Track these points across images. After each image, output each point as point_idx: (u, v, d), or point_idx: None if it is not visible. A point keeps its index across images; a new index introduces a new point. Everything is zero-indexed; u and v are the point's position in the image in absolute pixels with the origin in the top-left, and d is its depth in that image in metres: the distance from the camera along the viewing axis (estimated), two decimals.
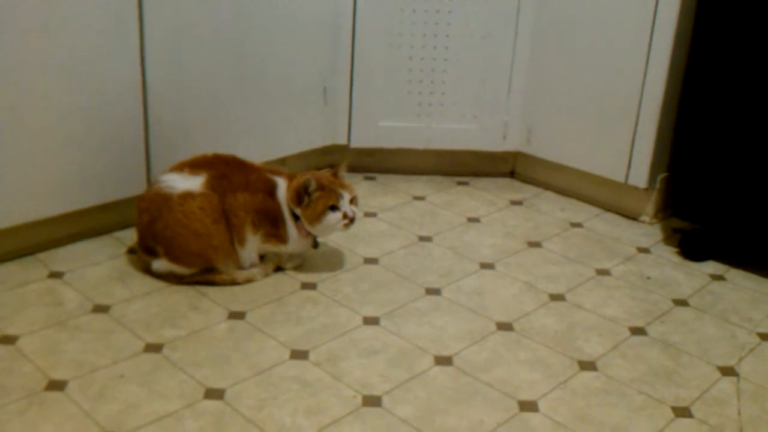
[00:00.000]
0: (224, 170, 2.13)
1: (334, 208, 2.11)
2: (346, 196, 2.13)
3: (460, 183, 2.95)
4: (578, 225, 2.66)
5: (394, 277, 2.26)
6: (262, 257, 2.21)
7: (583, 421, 1.71)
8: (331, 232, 2.19)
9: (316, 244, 2.24)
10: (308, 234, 2.18)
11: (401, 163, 2.97)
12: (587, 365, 1.91)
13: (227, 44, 2.44)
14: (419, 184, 2.91)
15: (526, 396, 1.78)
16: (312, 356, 1.88)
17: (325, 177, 2.15)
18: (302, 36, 2.63)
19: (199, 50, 2.38)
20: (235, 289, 2.14)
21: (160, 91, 2.32)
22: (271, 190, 2.15)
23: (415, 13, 2.72)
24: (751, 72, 2.29)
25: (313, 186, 2.09)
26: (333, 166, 2.22)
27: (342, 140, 2.86)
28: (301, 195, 2.11)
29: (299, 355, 1.88)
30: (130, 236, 2.31)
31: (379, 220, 2.60)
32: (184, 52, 2.35)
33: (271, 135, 2.66)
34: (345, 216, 2.12)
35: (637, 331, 2.07)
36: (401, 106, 2.83)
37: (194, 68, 2.39)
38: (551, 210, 2.77)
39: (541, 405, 1.76)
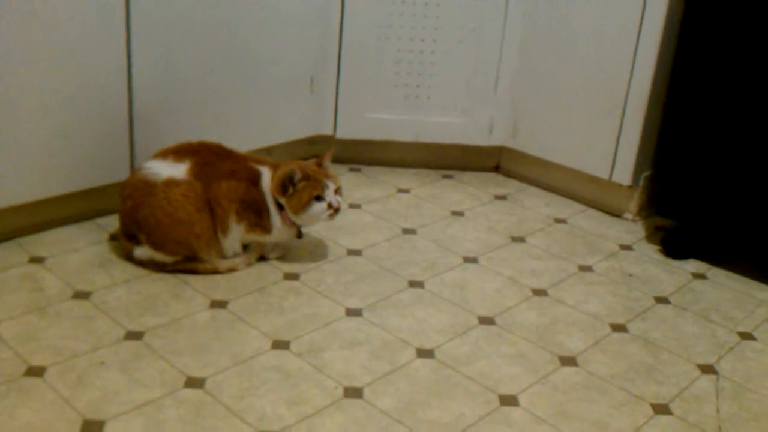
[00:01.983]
0: (209, 158, 2.11)
1: (319, 198, 2.10)
2: (332, 186, 2.13)
3: (445, 176, 2.95)
4: (562, 221, 2.67)
5: (377, 269, 2.26)
6: (246, 247, 2.21)
7: (563, 416, 1.72)
8: (316, 222, 2.18)
9: (300, 235, 2.23)
10: (292, 224, 2.17)
11: (387, 155, 2.97)
12: (568, 360, 1.92)
13: (214, 31, 2.42)
14: (404, 177, 2.91)
15: (506, 390, 1.79)
16: (294, 347, 1.87)
17: (310, 167, 2.14)
18: (290, 24, 2.62)
19: (185, 38, 2.36)
20: (218, 278, 2.13)
21: (146, 78, 2.30)
22: (255, 179, 2.14)
23: (404, 5, 2.72)
24: (736, 73, 2.30)
25: (298, 176, 2.08)
26: (318, 157, 2.21)
27: (328, 131, 2.85)
28: (285, 184, 2.10)
29: (281, 345, 1.87)
30: (113, 223, 2.29)
31: (363, 212, 2.60)
32: (171, 39, 2.33)
33: (256, 124, 2.65)
34: (330, 206, 2.11)
35: (618, 327, 2.08)
36: (388, 98, 2.82)
37: (180, 56, 2.37)
38: (535, 205, 2.77)
39: (521, 399, 1.76)
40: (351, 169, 2.93)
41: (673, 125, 2.54)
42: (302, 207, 2.10)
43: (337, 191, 2.14)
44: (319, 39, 2.71)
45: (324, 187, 2.11)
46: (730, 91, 2.32)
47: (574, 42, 2.65)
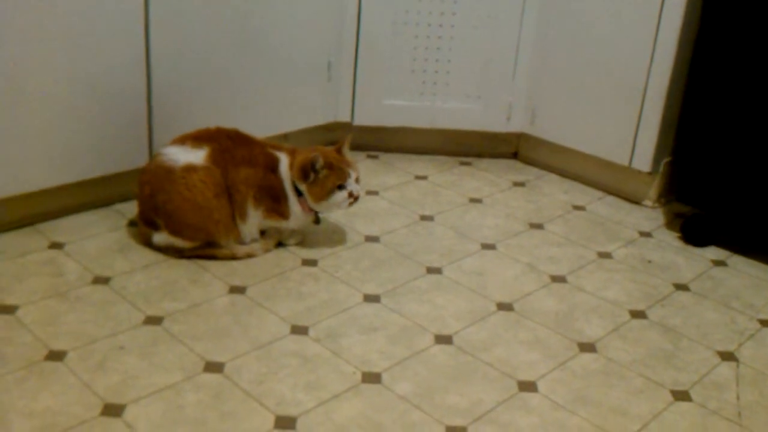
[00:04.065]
0: (227, 144, 2.12)
1: (341, 187, 2.10)
2: (353, 175, 2.13)
3: (462, 163, 2.94)
4: (581, 208, 2.66)
5: (395, 255, 2.26)
6: (263, 232, 2.21)
7: (581, 402, 1.71)
8: (335, 210, 2.19)
9: (317, 220, 2.24)
10: (310, 210, 2.17)
11: (404, 141, 2.96)
12: (587, 347, 1.91)
13: (232, 16, 2.42)
14: (422, 164, 2.90)
15: (525, 376, 1.78)
16: (312, 332, 1.88)
17: (332, 154, 2.14)
18: (308, 10, 2.61)
19: (203, 22, 2.36)
20: (236, 263, 2.13)
21: (164, 63, 2.30)
22: (273, 165, 2.14)
23: None
24: (758, 59, 2.27)
25: (320, 163, 2.08)
26: (336, 144, 2.20)
27: (345, 117, 2.84)
28: (307, 171, 2.09)
29: (299, 330, 1.88)
30: (131, 209, 2.30)
31: (380, 199, 2.60)
32: (189, 23, 2.33)
33: (273, 109, 2.65)
34: (351, 195, 2.12)
35: (638, 314, 2.07)
36: (405, 84, 2.81)
37: (198, 40, 2.37)
38: (554, 192, 2.76)
39: (540, 385, 1.76)
40: (368, 156, 2.92)
41: (693, 111, 2.51)
42: (324, 195, 2.10)
43: (357, 180, 2.14)
44: (337, 24, 2.70)
45: (346, 176, 2.11)
46: (752, 76, 2.29)
47: (593, 27, 2.63)
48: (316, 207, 2.14)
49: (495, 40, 2.78)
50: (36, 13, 2.01)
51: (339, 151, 2.17)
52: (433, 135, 2.95)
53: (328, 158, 2.10)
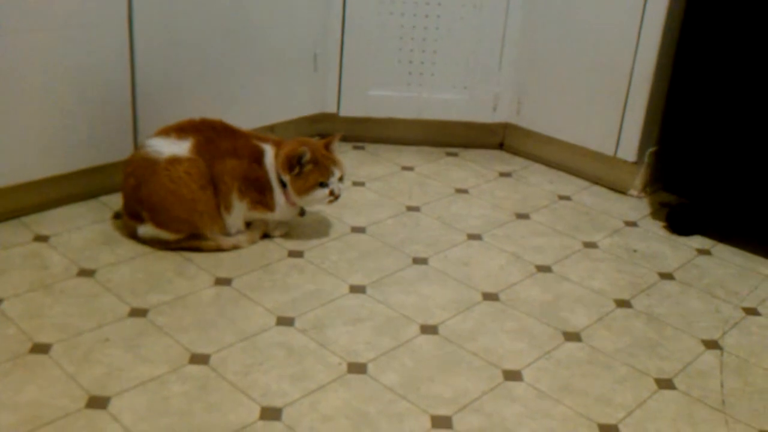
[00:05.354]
0: (211, 135, 2.11)
1: (323, 184, 2.10)
2: (337, 174, 2.12)
3: (449, 154, 2.94)
4: (566, 198, 2.66)
5: (381, 246, 2.26)
6: (249, 224, 2.21)
7: (566, 391, 1.72)
8: (314, 205, 2.19)
9: (302, 212, 2.23)
10: (294, 202, 2.16)
11: (390, 132, 2.96)
12: (572, 336, 1.92)
13: (217, 7, 2.41)
14: (408, 155, 2.90)
15: (510, 365, 1.79)
16: (298, 323, 1.88)
17: (319, 149, 2.13)
18: (293, 0, 2.60)
19: (188, 12, 2.35)
20: (222, 255, 2.13)
21: (149, 55, 2.29)
22: (258, 156, 2.14)
23: None
24: (743, 48, 2.28)
25: (307, 157, 2.08)
26: (322, 135, 2.20)
27: (331, 109, 2.84)
28: (292, 163, 2.09)
29: (285, 321, 1.88)
30: (116, 201, 2.29)
31: (367, 190, 2.59)
32: (174, 14, 2.32)
33: (259, 101, 2.64)
34: (331, 193, 2.12)
35: (623, 303, 2.08)
36: (391, 75, 2.81)
37: (183, 31, 2.36)
38: (540, 182, 2.76)
39: (525, 374, 1.76)
40: (355, 147, 2.92)
41: (678, 100, 2.52)
42: (306, 190, 2.10)
43: (341, 179, 2.14)
44: (323, 15, 2.70)
45: (330, 174, 2.11)
46: (737, 65, 2.30)
47: (578, 17, 2.63)
48: (295, 199, 2.14)
49: (481, 31, 2.77)
50: (19, 4, 2.00)
51: (328, 146, 2.16)
52: (420, 126, 2.95)
53: (315, 154, 2.10)
